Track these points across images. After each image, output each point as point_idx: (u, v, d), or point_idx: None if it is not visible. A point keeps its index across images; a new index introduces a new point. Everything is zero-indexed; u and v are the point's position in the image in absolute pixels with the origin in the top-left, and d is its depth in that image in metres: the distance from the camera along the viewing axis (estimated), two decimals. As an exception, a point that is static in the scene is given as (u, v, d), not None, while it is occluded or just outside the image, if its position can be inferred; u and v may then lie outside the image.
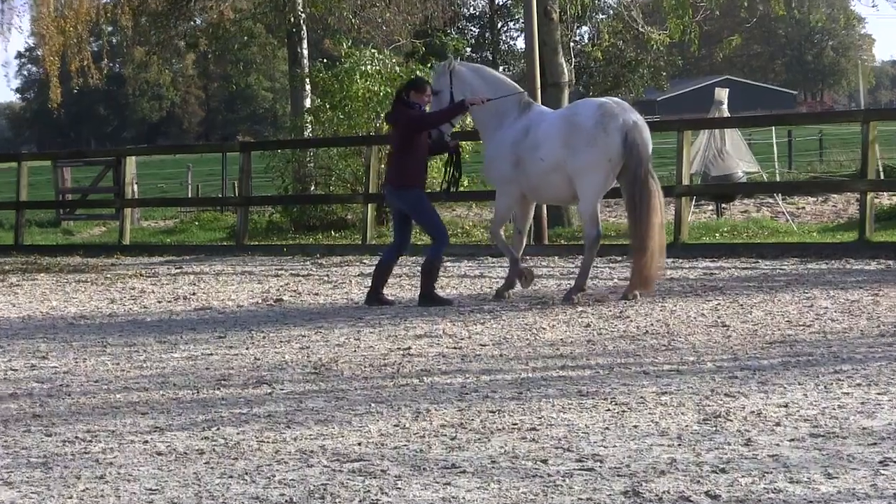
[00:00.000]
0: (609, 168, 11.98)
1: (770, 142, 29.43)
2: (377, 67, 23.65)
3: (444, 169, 13.29)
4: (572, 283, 12.78)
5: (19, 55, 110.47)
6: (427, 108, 12.58)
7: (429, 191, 20.12)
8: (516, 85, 13.06)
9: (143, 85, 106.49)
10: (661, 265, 12.12)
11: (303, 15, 29.19)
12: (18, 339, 11.27)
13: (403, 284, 14.34)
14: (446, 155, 13.28)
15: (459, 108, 12.55)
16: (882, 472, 5.72)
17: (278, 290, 14.58)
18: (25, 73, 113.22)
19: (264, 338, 10.79)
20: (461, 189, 22.53)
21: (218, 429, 7.13)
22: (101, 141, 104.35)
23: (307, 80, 27.61)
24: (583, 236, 12.64)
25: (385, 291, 12.79)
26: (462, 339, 10.27)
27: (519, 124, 12.47)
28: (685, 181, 17.29)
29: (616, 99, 12.63)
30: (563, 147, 12.04)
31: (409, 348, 9.84)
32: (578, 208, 12.57)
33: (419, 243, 15.48)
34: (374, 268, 13.00)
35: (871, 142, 16.11)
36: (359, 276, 15.80)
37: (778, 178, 29.40)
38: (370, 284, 12.86)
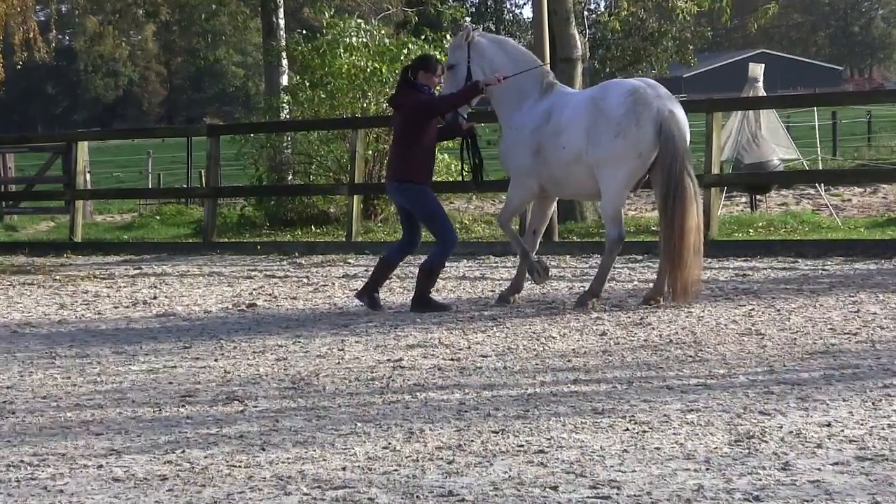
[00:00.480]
0: (638, 164, 11.91)
1: (811, 124, 29.47)
2: (364, 40, 23.67)
3: (461, 156, 13.24)
4: (586, 285, 12.79)
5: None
6: (437, 91, 12.56)
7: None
8: (544, 66, 13.00)
9: (97, 60, 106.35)
10: (699, 269, 12.09)
11: (279, -20, 29.20)
12: (-45, 349, 11.28)
13: (394, 288, 14.36)
14: (459, 140, 13.24)
15: (473, 91, 12.49)
16: (937, 500, 5.75)
17: (251, 293, 14.60)
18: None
19: (235, 348, 10.81)
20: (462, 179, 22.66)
21: (183, 451, 7.15)
22: (48, 123, 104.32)
23: (284, 54, 27.62)
24: (599, 234, 12.65)
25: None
26: (461, 349, 10.28)
27: (540, 107, 12.43)
28: (715, 169, 17.31)
29: (650, 81, 12.48)
30: (585, 134, 11.99)
31: (401, 360, 9.86)
32: (601, 206, 12.56)
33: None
34: (376, 262, 12.94)
35: (926, 125, 16.13)
36: (343, 277, 15.82)
37: (820, 166, 29.44)
38: (368, 279, 12.85)
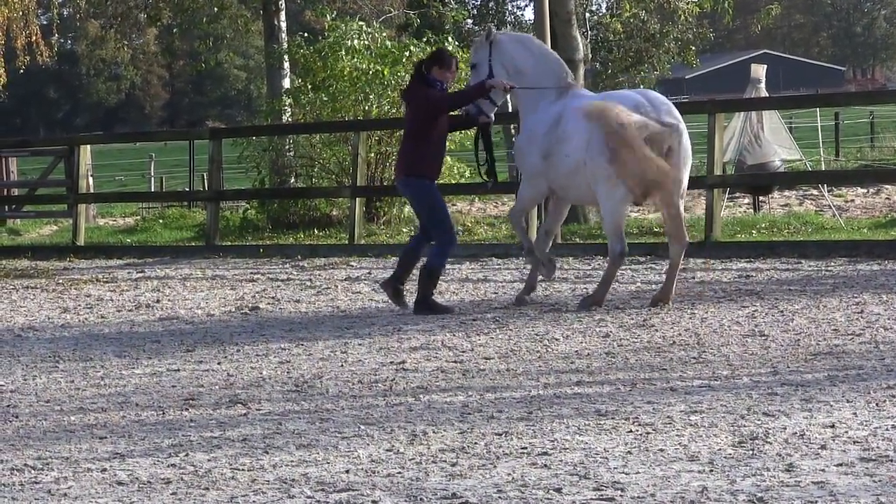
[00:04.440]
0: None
1: (814, 125, 29.49)
2: (365, 42, 23.67)
3: (475, 153, 13.05)
4: (589, 287, 12.80)
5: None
6: (449, 88, 12.62)
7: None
8: (565, 66, 12.84)
9: (99, 64, 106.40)
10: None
11: (280, -18, 29.19)
12: (-42, 353, 11.29)
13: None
14: (472, 136, 13.15)
15: (478, 91, 12.42)
16: (942, 500, 5.75)
17: (254, 296, 14.60)
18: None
19: (238, 351, 10.81)
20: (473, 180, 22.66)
21: (186, 455, 7.15)
22: (51, 127, 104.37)
23: (285, 57, 27.63)
24: (602, 236, 12.65)
25: (378, 298, 12.80)
26: (464, 351, 10.29)
27: (553, 110, 12.37)
28: (717, 171, 17.31)
29: (652, 95, 12.27)
30: (585, 146, 11.95)
31: (404, 362, 9.87)
32: (602, 219, 12.53)
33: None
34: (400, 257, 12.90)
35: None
36: (345, 280, 15.82)
37: (823, 167, 29.44)
38: (395, 269, 12.76)
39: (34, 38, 30.93)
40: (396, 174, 12.67)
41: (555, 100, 12.47)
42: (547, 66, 12.63)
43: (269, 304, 13.90)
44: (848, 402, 7.80)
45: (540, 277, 12.84)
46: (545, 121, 12.37)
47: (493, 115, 12.73)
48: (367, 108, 22.93)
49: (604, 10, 43.53)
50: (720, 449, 6.77)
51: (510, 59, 12.62)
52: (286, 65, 27.89)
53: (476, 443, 7.13)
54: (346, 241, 19.73)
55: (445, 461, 6.76)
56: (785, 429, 7.16)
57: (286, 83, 27.76)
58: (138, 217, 29.81)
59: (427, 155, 12.32)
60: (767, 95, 22.64)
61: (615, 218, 12.10)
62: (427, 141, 12.31)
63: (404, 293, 12.75)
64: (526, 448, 6.96)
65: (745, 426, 7.26)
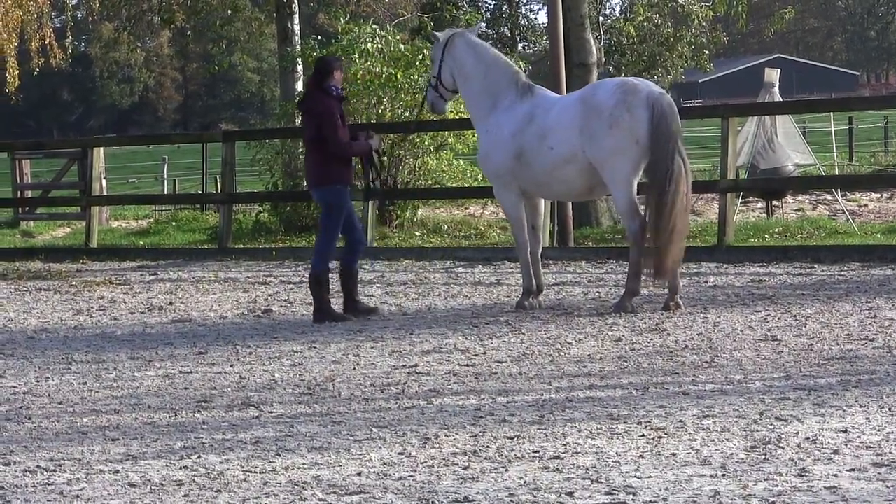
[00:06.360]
0: (638, 150, 11.95)
1: (828, 130, 29.43)
2: (379, 45, 23.68)
3: (365, 170, 13.61)
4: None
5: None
6: (342, 87, 12.88)
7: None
8: (517, 69, 12.96)
9: (112, 66, 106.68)
10: (681, 251, 12.08)
11: (293, -15, 29.21)
12: (-29, 355, 11.31)
13: (409, 294, 14.38)
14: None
15: (366, 149, 12.90)
16: (954, 506, 5.74)
17: (267, 299, 14.62)
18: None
19: (251, 354, 10.83)
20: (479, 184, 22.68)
21: (198, 457, 7.16)
22: (64, 130, 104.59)
23: (299, 59, 27.66)
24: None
25: (390, 301, 12.81)
26: (476, 354, 10.29)
27: (520, 109, 12.43)
28: (731, 175, 17.29)
29: (639, 78, 12.70)
30: (579, 134, 12.01)
31: (416, 365, 9.87)
32: (614, 202, 12.53)
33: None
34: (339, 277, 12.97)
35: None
36: (358, 283, 15.81)
37: (837, 172, 29.40)
38: (343, 298, 12.89)
39: (48, 40, 31.01)
40: (308, 184, 12.87)
41: (517, 99, 12.53)
42: (498, 72, 12.68)
43: (281, 306, 13.91)
44: (861, 407, 7.79)
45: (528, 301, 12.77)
46: (512, 120, 12.42)
47: (445, 108, 13.34)
48: (380, 111, 22.94)
49: (617, 14, 43.57)
50: (732, 453, 6.77)
51: (460, 64, 12.79)
52: (299, 68, 27.90)
53: (488, 446, 7.14)
54: (359, 244, 19.70)
55: (457, 464, 6.77)
56: (797, 433, 7.16)
57: (299, 86, 27.77)
58: (151, 219, 29.83)
59: (335, 161, 12.50)
60: (781, 100, 22.60)
61: (627, 194, 12.07)
62: (329, 149, 12.48)
63: (365, 300, 13.03)
64: (538, 452, 6.96)
65: (757, 431, 7.25)
